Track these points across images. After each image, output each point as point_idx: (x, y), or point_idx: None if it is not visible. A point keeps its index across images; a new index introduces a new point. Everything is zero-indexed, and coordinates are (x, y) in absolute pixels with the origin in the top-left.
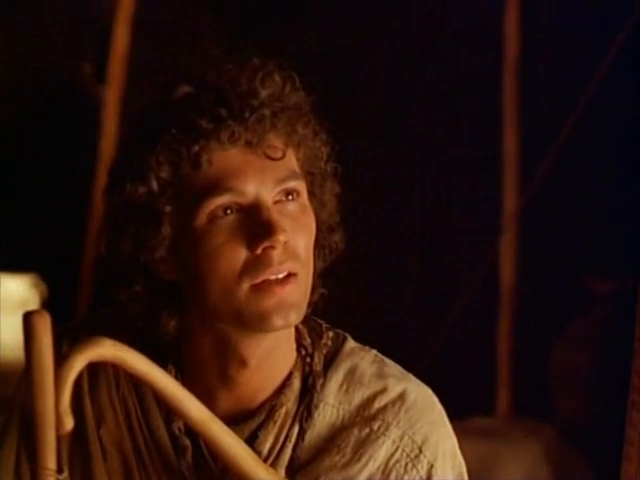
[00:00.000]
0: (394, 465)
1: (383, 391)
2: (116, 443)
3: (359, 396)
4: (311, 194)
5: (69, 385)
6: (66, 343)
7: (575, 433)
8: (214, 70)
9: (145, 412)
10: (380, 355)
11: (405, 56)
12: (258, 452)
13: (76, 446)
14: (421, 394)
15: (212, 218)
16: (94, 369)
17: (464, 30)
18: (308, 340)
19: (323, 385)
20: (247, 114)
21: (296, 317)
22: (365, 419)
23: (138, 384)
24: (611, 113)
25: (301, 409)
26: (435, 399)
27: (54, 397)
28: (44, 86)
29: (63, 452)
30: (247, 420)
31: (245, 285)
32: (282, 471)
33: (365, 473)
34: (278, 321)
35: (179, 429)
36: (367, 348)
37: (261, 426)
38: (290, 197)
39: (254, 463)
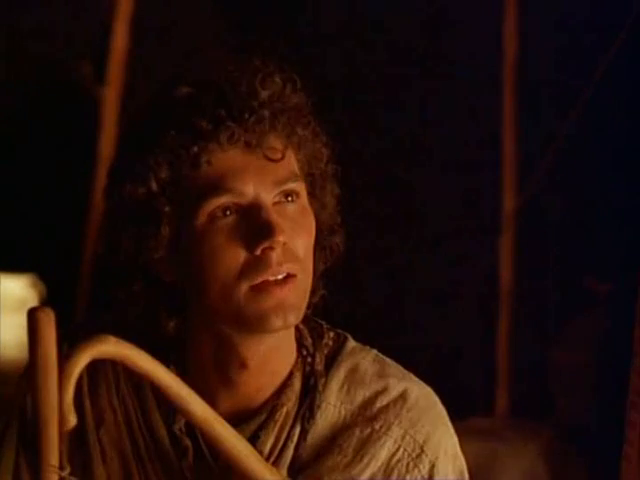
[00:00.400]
0: (396, 464)
1: (384, 391)
2: (116, 444)
3: (360, 396)
4: (311, 195)
5: (73, 382)
6: (66, 344)
7: (574, 434)
8: (214, 70)
9: (145, 413)
10: (381, 355)
11: (405, 56)
12: (259, 452)
13: (76, 447)
14: (422, 393)
15: (211, 219)
16: (94, 370)
17: (464, 30)
18: (309, 340)
19: (325, 385)
20: (247, 115)
21: (295, 318)
22: (367, 419)
23: (138, 385)
24: (610, 113)
25: (303, 409)
26: (436, 398)
27: (58, 394)
28: (44, 86)
29: (64, 450)
30: (248, 420)
31: (244, 286)
32: (284, 471)
33: (367, 473)
34: (277, 322)
35: (180, 430)
36: (368, 348)
37: (262, 426)
38: (289, 198)
39: (257, 462)
